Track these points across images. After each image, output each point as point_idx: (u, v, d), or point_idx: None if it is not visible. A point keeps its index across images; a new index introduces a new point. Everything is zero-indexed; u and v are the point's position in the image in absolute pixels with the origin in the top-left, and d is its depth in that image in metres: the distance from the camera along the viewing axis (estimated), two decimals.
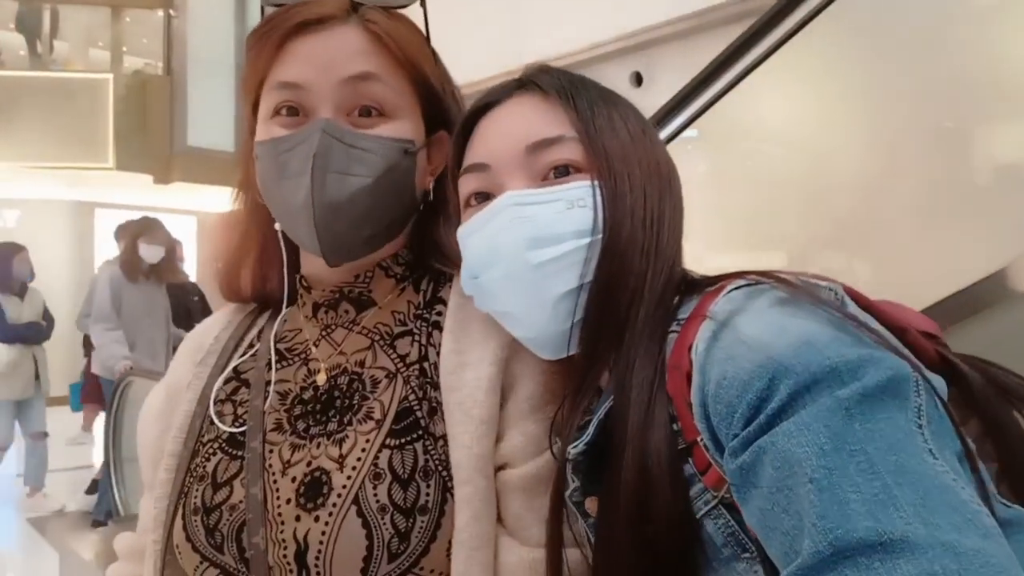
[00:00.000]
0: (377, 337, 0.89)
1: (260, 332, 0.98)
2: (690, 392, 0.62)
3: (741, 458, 0.55)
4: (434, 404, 0.81)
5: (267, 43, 0.85)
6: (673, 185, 0.78)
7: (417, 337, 0.88)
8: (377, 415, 0.81)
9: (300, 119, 0.85)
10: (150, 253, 4.96)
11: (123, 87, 10.10)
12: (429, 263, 0.93)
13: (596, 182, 0.73)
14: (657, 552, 0.63)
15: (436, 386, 0.82)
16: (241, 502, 0.80)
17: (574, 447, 0.70)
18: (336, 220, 0.82)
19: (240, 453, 0.84)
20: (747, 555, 0.61)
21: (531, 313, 0.75)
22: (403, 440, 0.79)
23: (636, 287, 0.70)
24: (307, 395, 0.87)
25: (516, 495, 0.78)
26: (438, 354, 0.84)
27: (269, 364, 0.92)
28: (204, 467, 0.86)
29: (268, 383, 0.89)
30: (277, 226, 0.91)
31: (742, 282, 0.66)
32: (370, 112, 0.85)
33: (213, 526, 0.81)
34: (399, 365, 0.85)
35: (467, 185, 0.80)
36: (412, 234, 0.95)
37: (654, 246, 0.72)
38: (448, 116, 0.92)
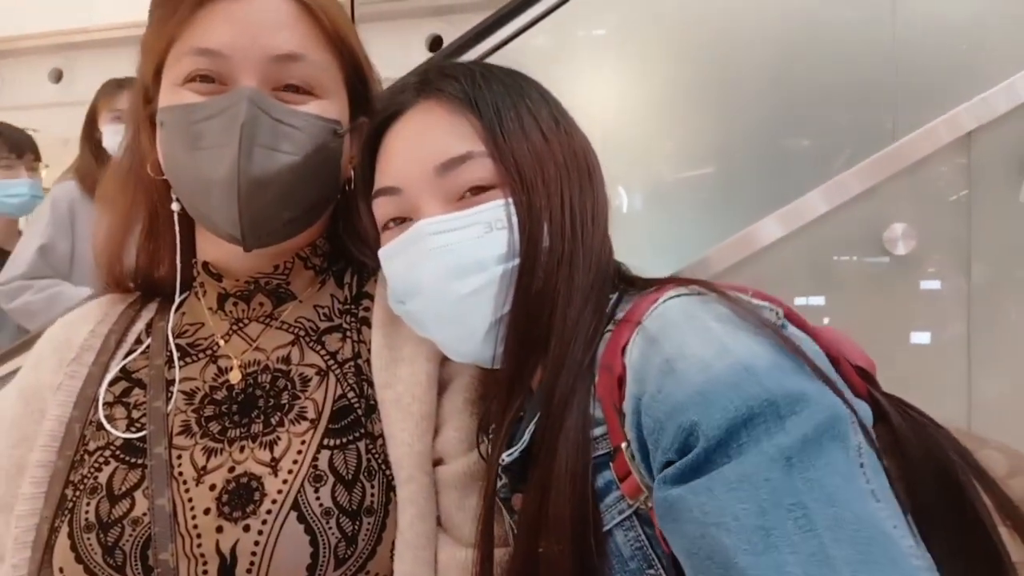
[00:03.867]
0: (301, 332, 0.84)
1: (149, 325, 0.87)
2: (620, 396, 0.61)
3: (674, 491, 0.54)
4: (372, 402, 0.78)
5: (181, 2, 0.76)
6: (593, 175, 0.76)
7: (349, 334, 0.84)
8: (311, 414, 0.77)
9: (217, 87, 0.77)
10: (114, 135, 2.56)
11: None
12: (350, 253, 0.88)
13: (510, 199, 0.70)
14: (562, 562, 0.62)
15: (372, 384, 0.79)
16: (145, 515, 0.72)
17: (509, 455, 0.69)
18: (260, 199, 0.76)
19: (141, 461, 0.75)
20: (652, 571, 0.61)
21: (463, 343, 0.73)
22: (344, 440, 0.76)
23: (558, 295, 0.68)
24: (219, 395, 0.80)
25: (449, 492, 0.76)
26: (370, 351, 0.81)
27: (169, 361, 0.82)
28: (95, 478, 0.75)
29: (171, 382, 0.80)
30: (174, 206, 0.82)
31: (683, 290, 0.65)
32: (297, 89, 0.79)
33: (113, 543, 0.71)
34: (330, 362, 0.81)
35: (382, 209, 0.76)
36: (330, 223, 0.89)
37: (576, 248, 0.70)
38: (372, 101, 0.88)
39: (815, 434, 0.51)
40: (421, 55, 3.85)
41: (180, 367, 0.82)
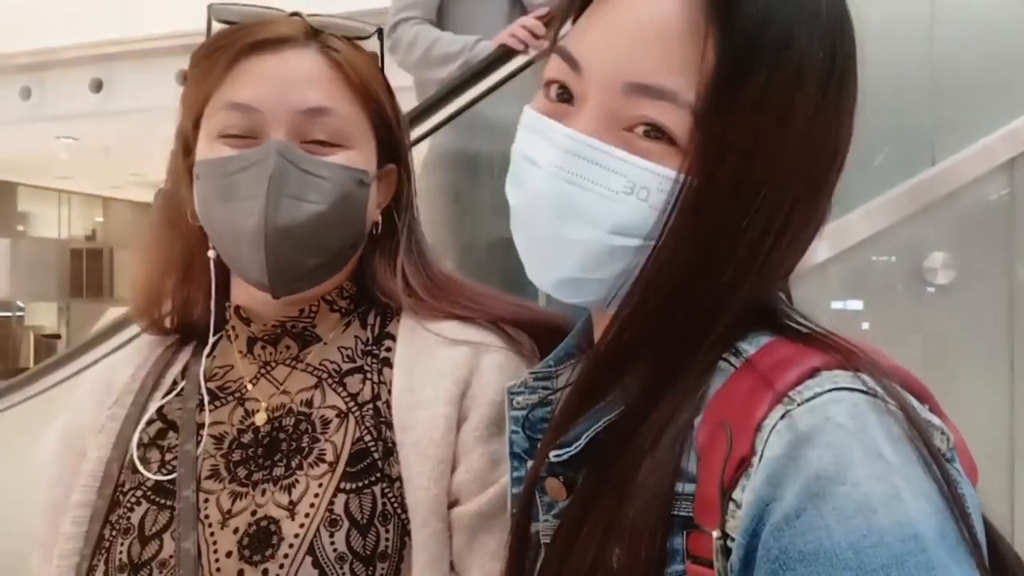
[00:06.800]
0: (325, 375, 0.86)
1: (184, 369, 0.90)
2: (735, 477, 0.51)
3: None
4: (389, 444, 0.80)
5: (217, 60, 0.81)
6: (821, 192, 0.58)
7: (369, 375, 0.85)
8: (329, 457, 0.79)
9: (250, 141, 0.80)
10: None
11: None
12: (375, 296, 0.91)
13: (683, 176, 0.54)
14: None
15: (390, 426, 0.81)
16: (172, 557, 0.75)
17: (557, 455, 0.61)
18: (287, 247, 0.79)
19: (170, 503, 0.78)
20: None
21: (539, 270, 0.64)
22: (360, 484, 0.78)
23: (694, 315, 0.56)
24: (246, 438, 0.82)
25: (460, 533, 0.77)
26: (390, 392, 0.83)
27: (201, 404, 0.85)
28: (128, 518, 0.78)
29: (201, 426, 0.83)
30: (211, 253, 0.86)
31: (847, 379, 0.52)
32: (324, 142, 0.82)
33: None
34: (350, 404, 0.83)
35: (554, 69, 0.61)
36: (357, 265, 0.92)
37: (751, 270, 0.55)
38: (399, 149, 0.91)
39: None
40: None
41: (210, 411, 0.85)
